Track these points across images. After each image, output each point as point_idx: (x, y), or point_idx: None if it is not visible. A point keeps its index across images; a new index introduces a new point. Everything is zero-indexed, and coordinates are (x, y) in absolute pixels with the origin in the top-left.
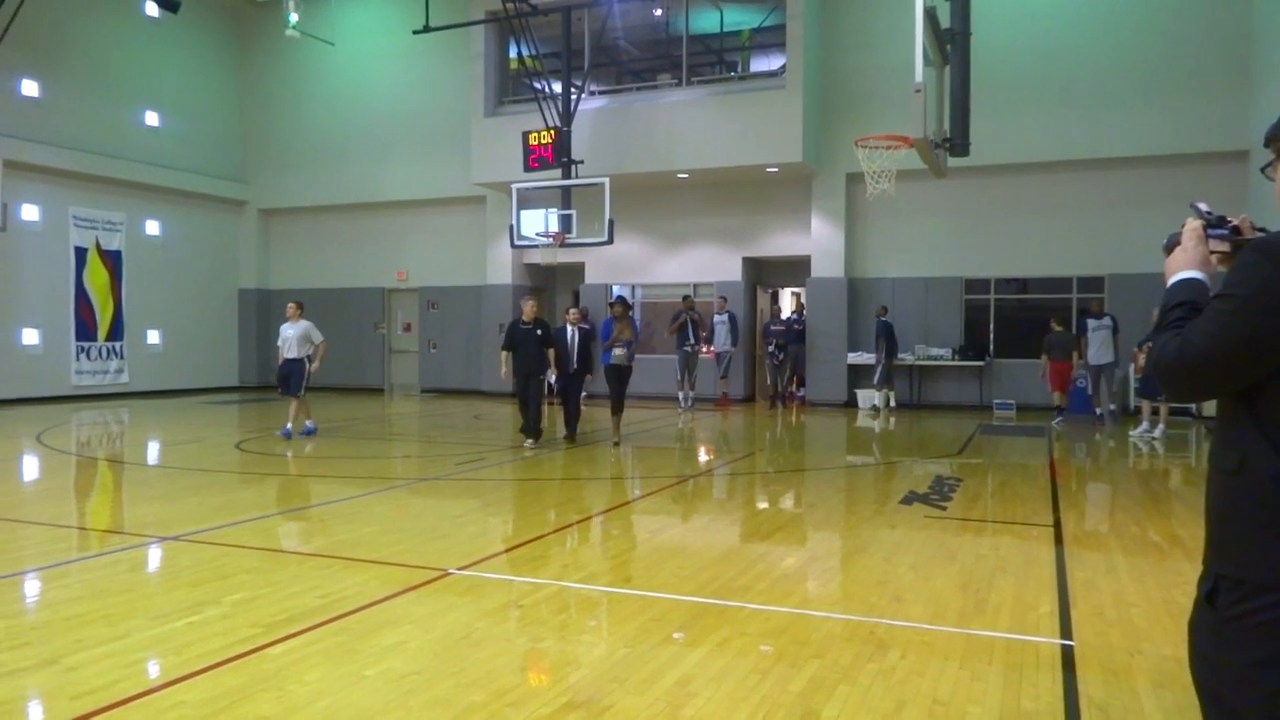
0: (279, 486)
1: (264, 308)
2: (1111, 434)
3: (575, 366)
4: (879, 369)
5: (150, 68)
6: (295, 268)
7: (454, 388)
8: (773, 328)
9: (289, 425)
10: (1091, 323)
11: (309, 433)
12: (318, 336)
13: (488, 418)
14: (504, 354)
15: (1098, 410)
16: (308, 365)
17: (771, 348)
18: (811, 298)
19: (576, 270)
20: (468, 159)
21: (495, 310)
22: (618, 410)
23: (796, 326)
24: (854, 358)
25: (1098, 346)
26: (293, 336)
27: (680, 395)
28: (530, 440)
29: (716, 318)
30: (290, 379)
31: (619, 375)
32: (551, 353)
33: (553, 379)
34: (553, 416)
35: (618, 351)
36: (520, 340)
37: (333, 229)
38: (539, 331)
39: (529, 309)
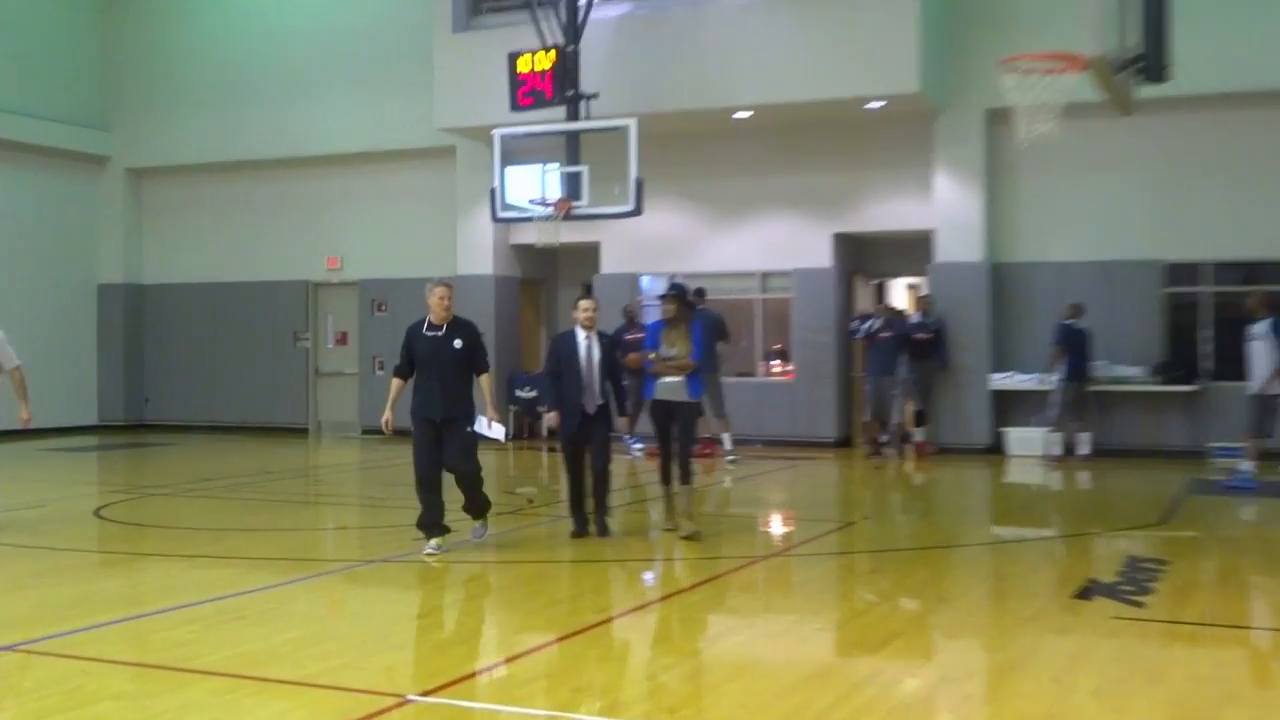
0: (158, 572)
1: (134, 312)
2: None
3: (598, 402)
4: (1059, 397)
5: None
6: (178, 253)
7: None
8: (882, 334)
9: None
10: (1250, 330)
11: None
12: (11, 360)
13: None
14: (395, 384)
15: None
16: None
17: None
18: (937, 291)
19: (588, 254)
20: (428, 94)
21: (472, 313)
22: (673, 475)
23: (923, 334)
24: (1000, 380)
25: (1256, 364)
26: None
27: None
28: (434, 542)
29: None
30: None
31: (671, 416)
32: (485, 382)
33: (503, 429)
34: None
35: (667, 380)
36: (425, 357)
37: (233, 197)
38: (456, 343)
39: (438, 299)
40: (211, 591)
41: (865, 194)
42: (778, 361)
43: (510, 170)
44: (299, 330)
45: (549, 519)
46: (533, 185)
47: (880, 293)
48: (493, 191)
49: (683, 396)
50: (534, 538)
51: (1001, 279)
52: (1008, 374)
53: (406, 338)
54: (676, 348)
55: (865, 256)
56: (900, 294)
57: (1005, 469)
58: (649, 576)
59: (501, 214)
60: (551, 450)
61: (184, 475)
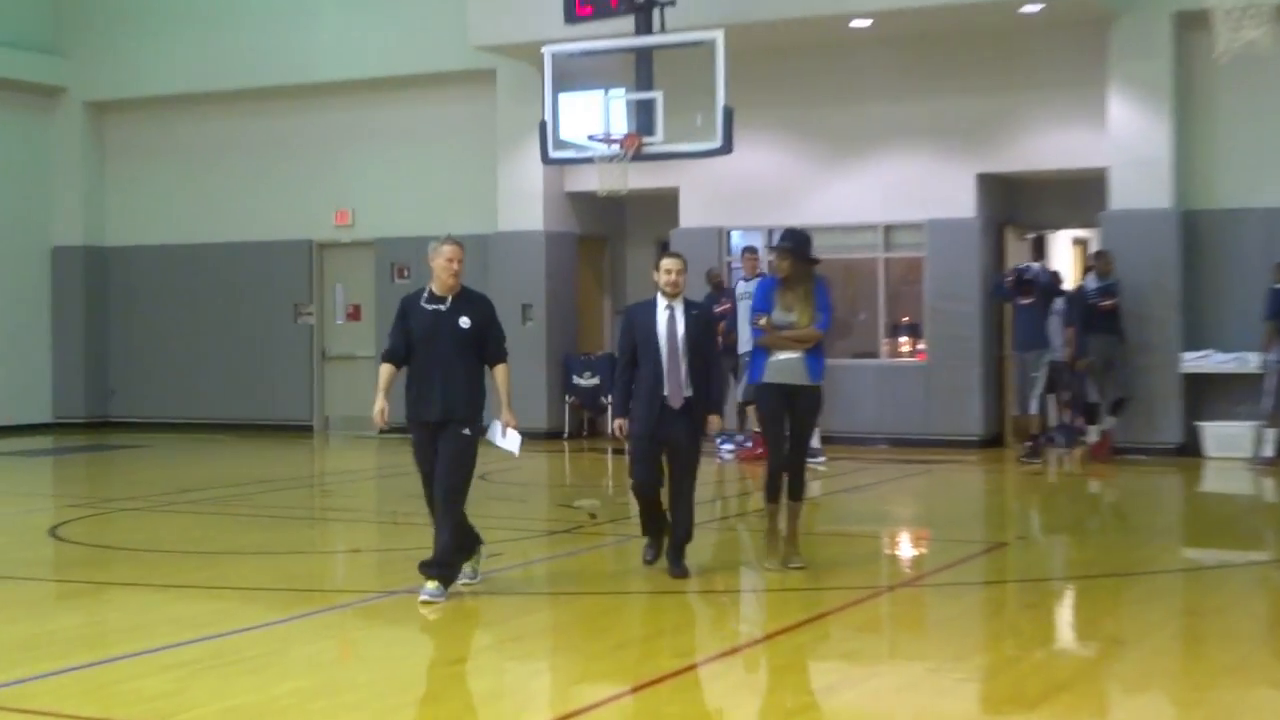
0: (129, 607)
1: (96, 282)
2: None
3: (685, 394)
4: (1273, 383)
5: None
6: (150, 208)
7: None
8: (1023, 298)
9: None
10: None
11: None
12: None
13: (503, 479)
14: (385, 370)
15: None
16: None
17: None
18: (1111, 246)
19: (664, 204)
20: (461, 4)
21: (515, 277)
22: (787, 490)
23: (1108, 300)
24: (1195, 361)
25: None
26: None
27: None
28: (465, 569)
29: (743, 284)
30: None
31: (788, 405)
32: (501, 375)
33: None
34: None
35: (783, 357)
36: (424, 337)
37: (218, 137)
38: (464, 321)
39: (445, 262)
40: (195, 630)
41: (1019, 123)
42: (906, 338)
43: (565, 98)
44: (300, 303)
45: (615, 539)
46: (594, 117)
47: (1038, 249)
48: (543, 125)
49: (804, 379)
50: (596, 564)
51: (1195, 231)
52: (1204, 353)
53: (400, 310)
54: (795, 313)
55: (1019, 204)
56: (1063, 250)
57: (1201, 474)
58: (744, 612)
59: (554, 154)
60: (618, 452)
61: (159, 485)
